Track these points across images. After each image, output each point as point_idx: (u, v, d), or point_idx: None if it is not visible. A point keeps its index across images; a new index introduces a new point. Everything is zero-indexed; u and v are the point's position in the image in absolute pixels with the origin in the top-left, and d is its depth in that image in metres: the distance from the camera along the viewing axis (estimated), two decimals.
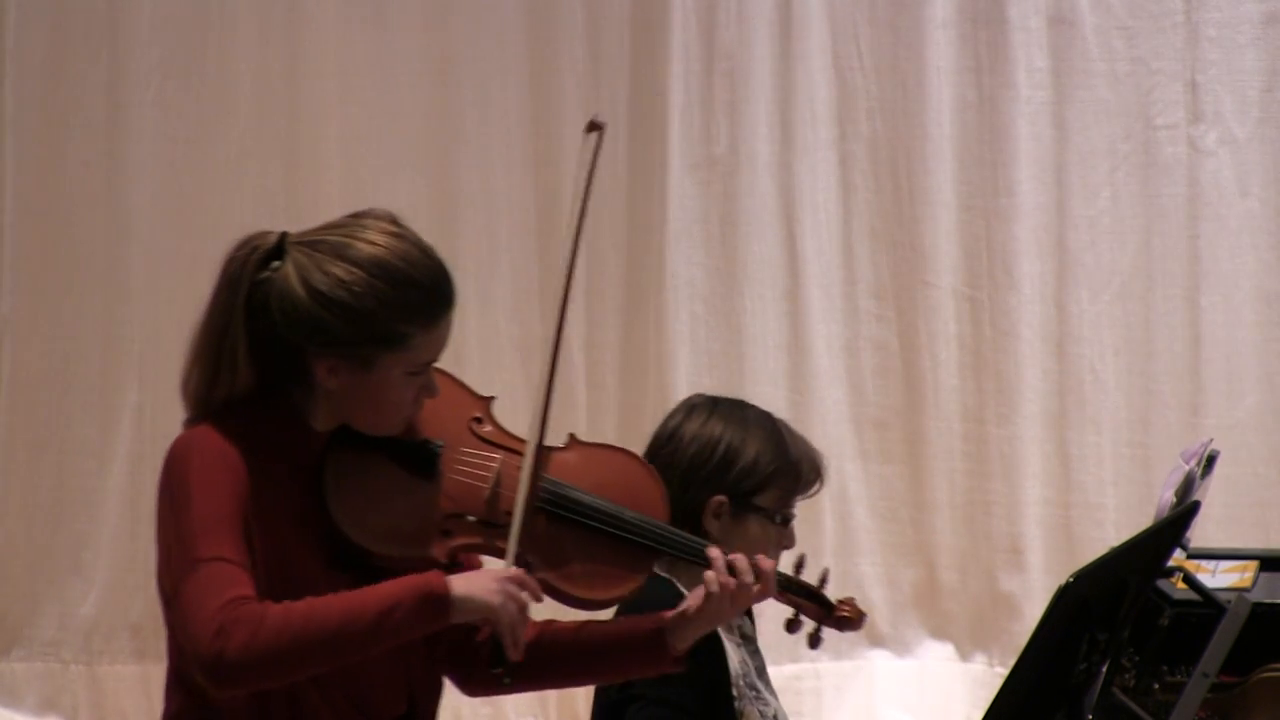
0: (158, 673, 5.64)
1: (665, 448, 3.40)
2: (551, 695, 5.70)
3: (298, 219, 6.16)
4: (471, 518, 2.88)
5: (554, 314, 3.02)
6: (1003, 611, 5.62)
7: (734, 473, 3.36)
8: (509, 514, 2.86)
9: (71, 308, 5.73)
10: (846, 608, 3.09)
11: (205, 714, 2.81)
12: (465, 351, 5.67)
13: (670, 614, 2.99)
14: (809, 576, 3.12)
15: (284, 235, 2.85)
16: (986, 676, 5.62)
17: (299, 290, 2.79)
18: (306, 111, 5.69)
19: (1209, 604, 3.68)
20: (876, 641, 5.71)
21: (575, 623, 3.05)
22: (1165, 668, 3.77)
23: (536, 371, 6.00)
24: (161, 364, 5.68)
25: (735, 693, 3.37)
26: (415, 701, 2.95)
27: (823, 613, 3.08)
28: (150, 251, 5.70)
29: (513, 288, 5.70)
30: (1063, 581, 2.95)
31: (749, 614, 3.52)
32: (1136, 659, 3.67)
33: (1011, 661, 3.09)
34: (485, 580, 2.77)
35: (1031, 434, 5.60)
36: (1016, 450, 5.61)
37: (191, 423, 2.85)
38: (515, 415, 5.88)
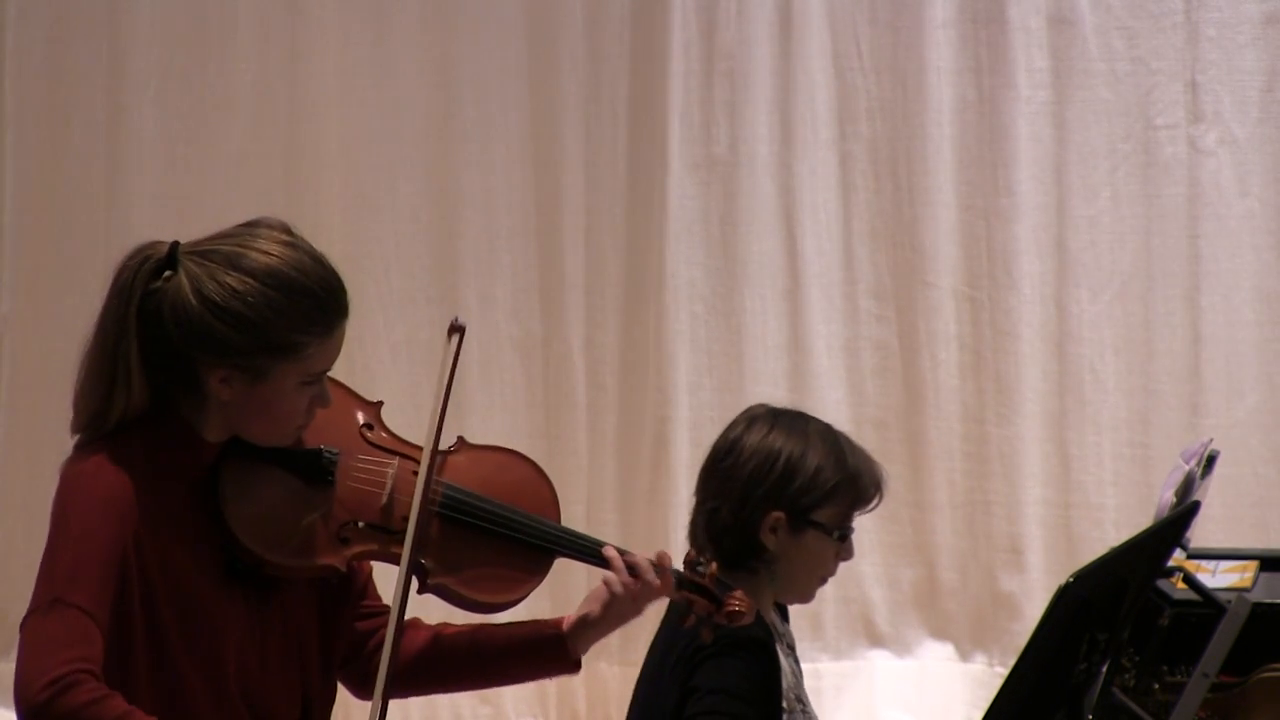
0: None
1: (725, 460, 3.37)
2: (551, 695, 5.70)
3: (298, 219, 6.16)
4: (368, 525, 2.88)
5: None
6: (1003, 611, 5.62)
7: (794, 487, 3.32)
8: (404, 519, 2.85)
9: (71, 308, 5.72)
10: (736, 601, 3.04)
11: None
12: (465, 352, 5.65)
13: (570, 617, 3.00)
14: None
15: (175, 245, 2.83)
16: (986, 676, 5.62)
17: (192, 300, 2.77)
18: (306, 111, 5.69)
19: (1209, 604, 3.67)
20: (876, 641, 5.71)
21: (470, 626, 3.05)
22: (1165, 668, 3.77)
23: (537, 371, 6.05)
24: None
25: (786, 706, 3.36)
26: (309, 708, 2.95)
27: (713, 607, 3.04)
28: None
29: (513, 288, 5.70)
30: (1063, 581, 2.94)
31: (786, 617, 3.51)
32: (1136, 659, 3.67)
33: (1011, 661, 3.09)
34: None
35: (1031, 434, 5.60)
36: (1016, 450, 5.61)
37: (82, 447, 2.84)
38: (517, 415, 5.89)
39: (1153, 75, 5.58)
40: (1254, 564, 4.04)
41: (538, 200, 5.72)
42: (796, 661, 3.52)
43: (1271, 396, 5.55)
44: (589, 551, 2.99)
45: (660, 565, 2.99)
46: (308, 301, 2.81)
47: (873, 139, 5.68)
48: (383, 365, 5.66)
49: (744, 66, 5.67)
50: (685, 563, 3.05)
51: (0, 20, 5.66)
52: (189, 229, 5.87)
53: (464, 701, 5.69)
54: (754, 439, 3.36)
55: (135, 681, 2.78)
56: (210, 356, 2.78)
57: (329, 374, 2.93)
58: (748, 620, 3.09)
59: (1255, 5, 5.55)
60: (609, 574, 2.97)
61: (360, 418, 2.97)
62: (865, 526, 5.58)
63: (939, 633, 5.70)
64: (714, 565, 3.06)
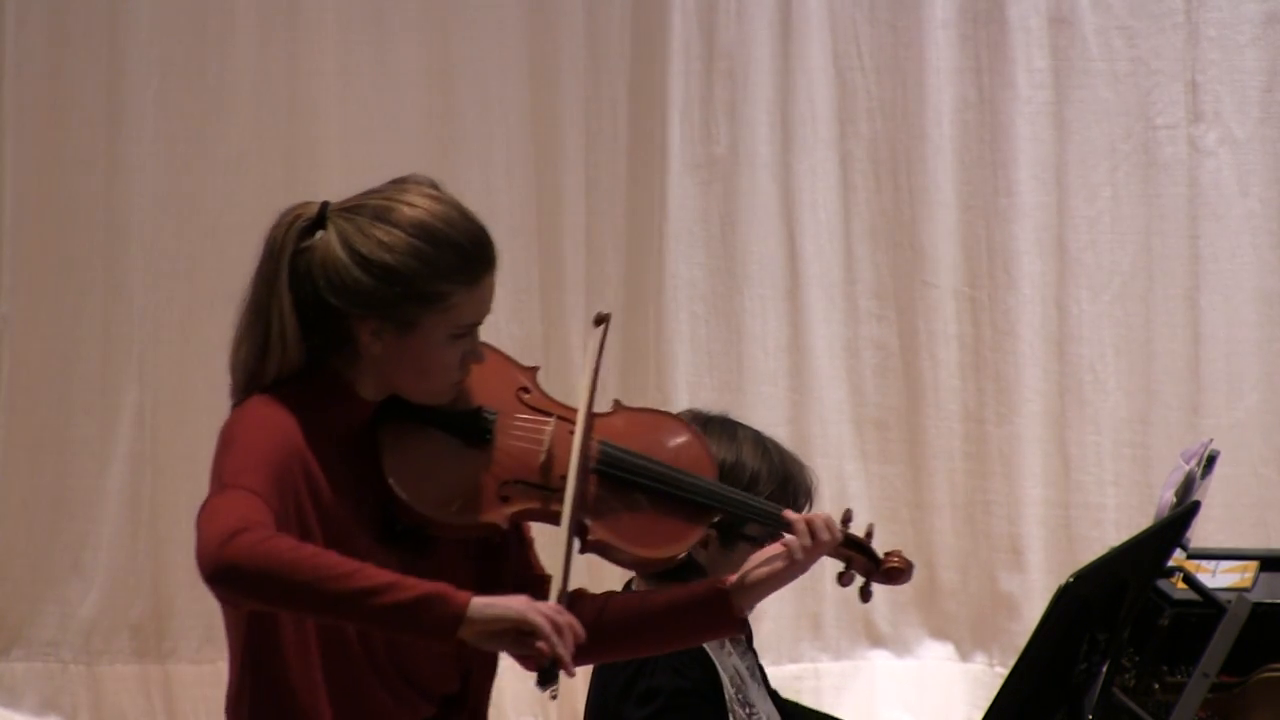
0: (157, 673, 5.69)
1: None
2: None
3: None
4: (527, 483, 2.90)
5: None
6: (1003, 611, 5.62)
7: None
8: (563, 478, 2.88)
9: (71, 308, 5.73)
10: (895, 559, 3.07)
11: (270, 690, 2.82)
12: None
13: (732, 577, 2.99)
14: (856, 529, 3.10)
15: (325, 204, 2.88)
16: (986, 676, 5.63)
17: (341, 254, 2.81)
18: (306, 111, 5.69)
19: (1209, 604, 3.68)
20: (876, 641, 5.71)
21: (637, 592, 3.10)
22: (1165, 668, 3.77)
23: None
24: (161, 364, 5.68)
25: (731, 715, 3.36)
26: (468, 680, 2.95)
27: (871, 565, 3.06)
28: (150, 251, 5.70)
29: (513, 288, 5.70)
30: (1063, 581, 2.95)
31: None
32: (1136, 659, 3.68)
33: (1011, 661, 3.09)
34: (518, 599, 2.71)
35: (1031, 434, 5.61)
36: (1016, 450, 5.61)
37: (240, 400, 2.87)
38: None
39: (1153, 75, 5.58)
40: (1254, 564, 4.04)
41: (538, 200, 5.72)
42: (746, 652, 3.50)
43: (1271, 396, 5.55)
44: (748, 507, 3.02)
45: (829, 524, 2.99)
46: (452, 251, 2.85)
47: (873, 139, 5.68)
48: None
49: (744, 66, 5.68)
50: (842, 520, 3.06)
51: (0, 20, 5.66)
52: (189, 229, 5.92)
53: None
54: None
55: (282, 628, 2.79)
56: (360, 309, 2.81)
57: (488, 343, 2.97)
58: (906, 579, 3.08)
59: (1255, 5, 5.55)
60: (790, 539, 2.97)
61: (517, 380, 3.01)
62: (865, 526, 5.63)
63: (939, 633, 5.70)
64: (870, 524, 3.08)
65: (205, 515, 2.67)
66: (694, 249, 5.69)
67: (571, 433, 2.92)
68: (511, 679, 5.70)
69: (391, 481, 2.84)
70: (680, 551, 2.96)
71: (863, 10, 5.66)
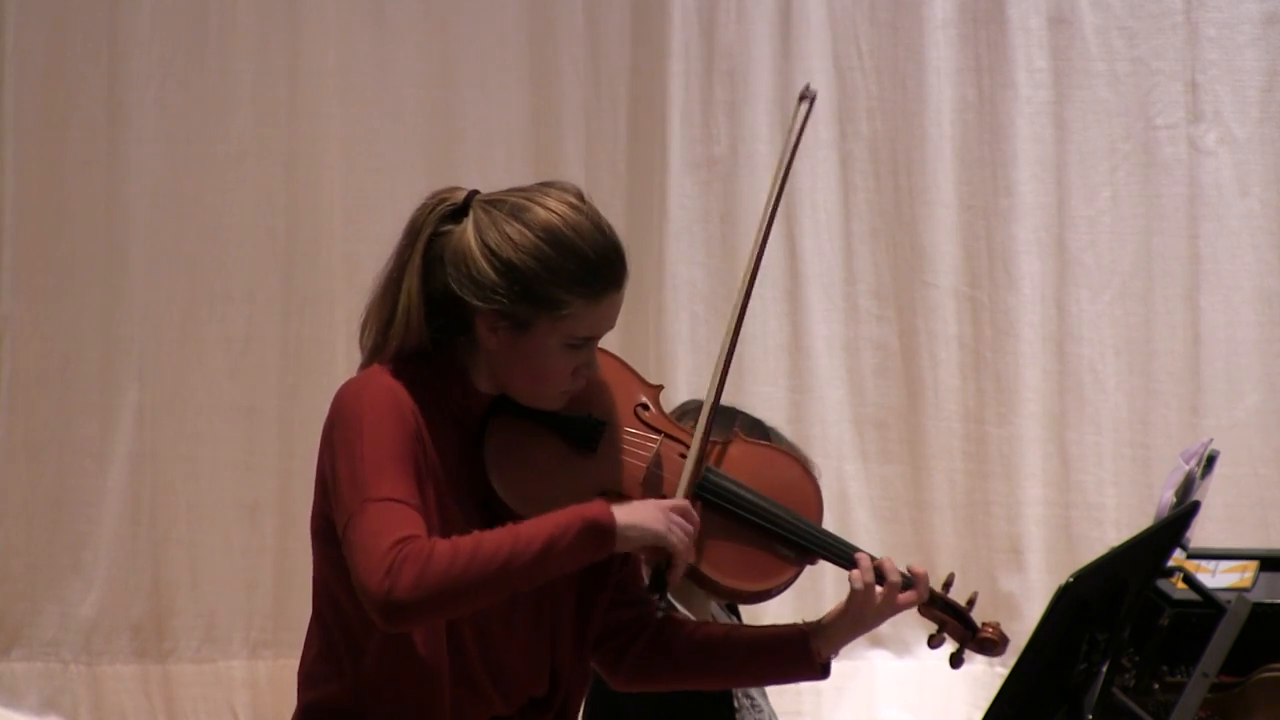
0: (157, 673, 5.69)
1: None
2: None
3: (297, 219, 6.19)
4: (626, 496, 2.89)
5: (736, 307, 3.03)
6: (1003, 611, 5.62)
7: None
8: (664, 497, 2.88)
9: (71, 308, 5.73)
10: (991, 630, 3.08)
11: (344, 698, 2.84)
12: None
13: (815, 620, 3.00)
14: (957, 596, 3.12)
15: (473, 193, 2.90)
16: (986, 676, 5.62)
17: (472, 243, 2.84)
18: (306, 111, 5.69)
19: (1209, 604, 3.68)
20: (876, 641, 5.71)
21: (727, 624, 3.11)
22: (1165, 668, 3.77)
23: None
24: (161, 364, 5.68)
25: (736, 704, 3.36)
26: (557, 684, 2.95)
27: (967, 633, 3.08)
28: (150, 251, 5.70)
29: None
30: (1063, 581, 2.94)
31: (735, 611, 3.52)
32: (1136, 659, 3.67)
33: (1011, 661, 3.08)
34: (649, 509, 2.79)
35: (1031, 434, 5.60)
36: (1016, 450, 5.61)
37: (363, 366, 2.90)
38: None
39: (1153, 75, 5.58)
40: (1254, 564, 4.04)
41: None
42: None
43: (1271, 396, 5.55)
44: (842, 555, 3.00)
45: (913, 573, 3.02)
46: (576, 261, 2.85)
47: (873, 139, 5.68)
48: None
49: (744, 66, 5.68)
50: (944, 584, 3.07)
51: (0, 20, 5.66)
52: (189, 229, 5.91)
53: None
54: None
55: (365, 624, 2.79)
56: (479, 300, 2.83)
57: (617, 356, 2.98)
58: (1000, 653, 3.10)
59: (1255, 5, 5.55)
60: (854, 572, 2.98)
61: (637, 396, 3.01)
62: (865, 527, 5.64)
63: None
64: (974, 593, 3.10)
65: (358, 546, 2.70)
66: (694, 249, 5.69)
67: (681, 455, 2.93)
68: None
69: (491, 476, 2.85)
70: (772, 588, 2.95)
71: (863, 10, 5.66)
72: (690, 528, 2.79)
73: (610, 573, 2.98)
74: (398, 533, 2.69)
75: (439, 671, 2.81)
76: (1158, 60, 5.58)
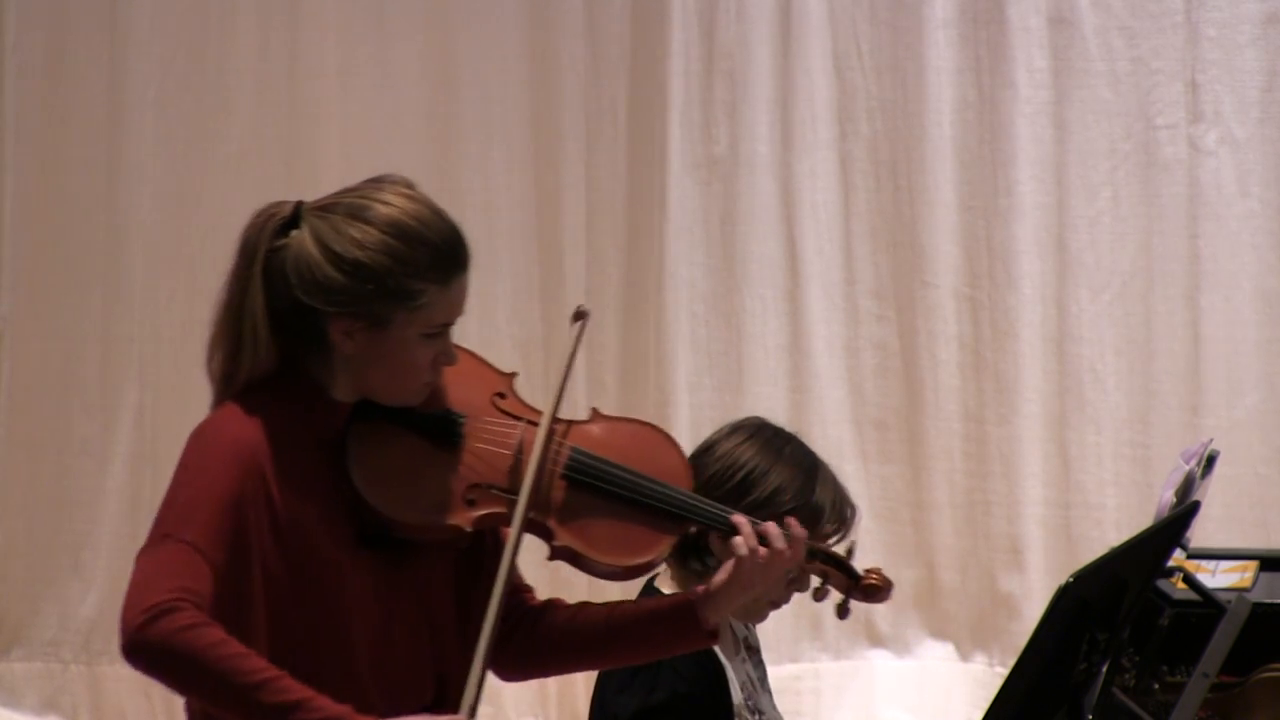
0: None
1: (699, 457, 3.40)
2: (552, 695, 5.70)
3: None
4: (494, 487, 2.89)
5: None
6: (1003, 611, 5.62)
7: (748, 500, 3.32)
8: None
9: (71, 308, 5.73)
10: (874, 576, 3.09)
11: None
12: None
13: (701, 588, 2.99)
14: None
15: (300, 204, 2.88)
16: (986, 676, 5.62)
17: (314, 251, 2.82)
18: (306, 111, 5.69)
19: (1209, 604, 3.68)
20: (876, 641, 5.71)
21: (608, 603, 3.06)
22: (1165, 668, 3.77)
23: (537, 371, 6.03)
24: (161, 364, 5.68)
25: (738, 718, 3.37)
26: (445, 688, 2.94)
27: (850, 583, 3.08)
28: (150, 251, 5.70)
29: (513, 288, 5.70)
30: (1063, 581, 2.95)
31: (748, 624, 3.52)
32: (1136, 659, 3.68)
33: (1011, 661, 3.09)
34: None
35: (1031, 434, 5.60)
36: (1016, 450, 5.61)
37: (217, 404, 2.88)
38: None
39: (1153, 75, 5.58)
40: (1254, 564, 4.05)
41: (538, 200, 5.72)
42: (759, 663, 3.52)
43: (1271, 396, 5.55)
44: (718, 520, 2.99)
45: (792, 534, 2.99)
46: (425, 249, 2.86)
47: (873, 139, 5.68)
48: None
49: (744, 66, 5.68)
50: (819, 536, 3.07)
51: (0, 20, 5.66)
52: (189, 229, 5.92)
53: None
54: (727, 445, 3.39)
55: (253, 638, 2.78)
56: (332, 306, 2.82)
57: (467, 348, 2.97)
58: (885, 598, 3.11)
59: (1255, 5, 5.54)
60: (738, 538, 2.97)
61: (493, 385, 3.01)
62: (865, 526, 5.63)
63: (939, 633, 5.70)
64: (850, 540, 3.10)
65: (139, 574, 2.69)
66: (694, 249, 5.69)
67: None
68: None
69: (356, 482, 2.84)
70: (649, 559, 2.94)
71: (863, 10, 5.66)
72: None
73: (483, 565, 2.97)
74: (188, 582, 2.68)
75: (333, 688, 2.78)
76: (1158, 60, 5.58)
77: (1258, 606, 3.69)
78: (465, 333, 5.94)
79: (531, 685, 5.69)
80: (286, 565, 2.79)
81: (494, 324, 5.70)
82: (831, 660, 5.70)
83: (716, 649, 3.33)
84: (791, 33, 5.67)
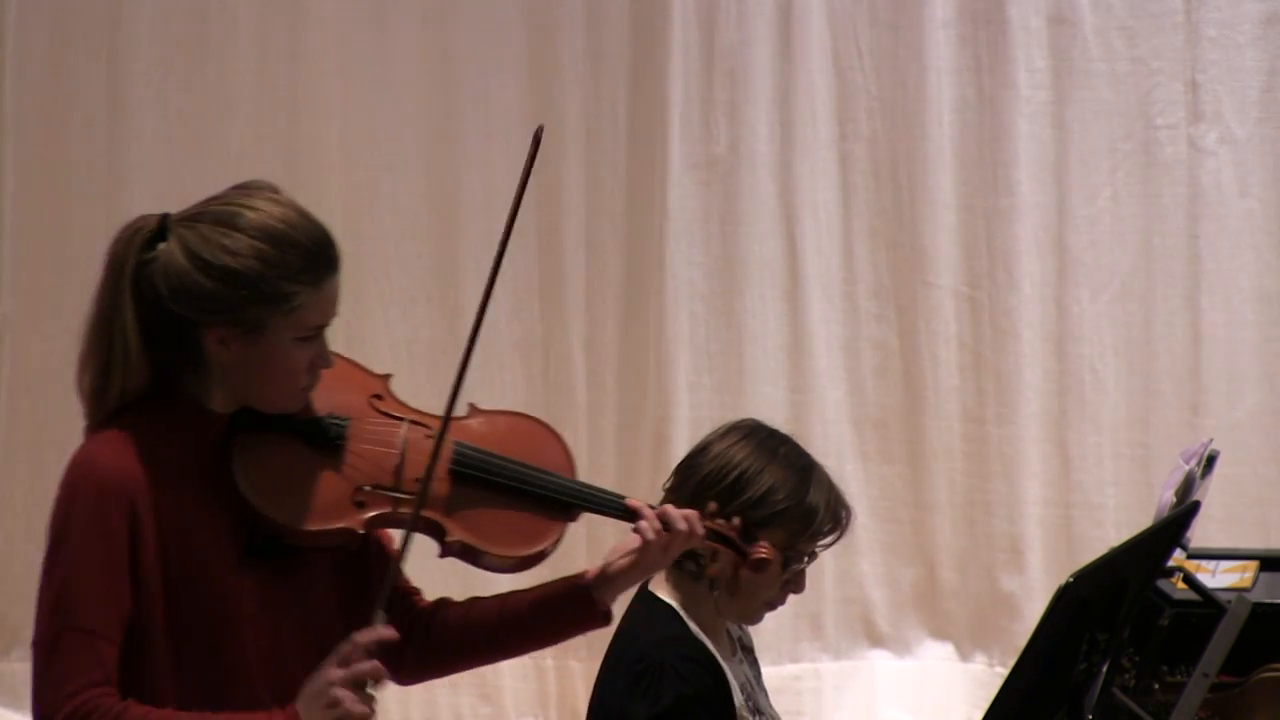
0: None
1: (693, 458, 3.41)
2: (552, 695, 5.70)
3: None
4: (381, 487, 2.90)
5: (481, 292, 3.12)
6: (1003, 611, 5.62)
7: (740, 500, 3.33)
8: (418, 480, 2.90)
9: (71, 308, 5.70)
10: (761, 549, 3.12)
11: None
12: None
13: (594, 570, 3.03)
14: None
15: (166, 216, 2.90)
16: (986, 676, 5.63)
17: (184, 262, 2.82)
18: (306, 111, 5.69)
19: (1209, 604, 3.68)
20: (876, 641, 5.71)
21: (499, 595, 3.07)
22: (1165, 668, 3.77)
23: (537, 371, 6.04)
24: None
25: None
26: None
27: (739, 558, 3.12)
28: None
29: (513, 288, 5.70)
30: (1063, 581, 2.94)
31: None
32: (1136, 659, 3.67)
33: (1011, 661, 3.09)
34: (319, 695, 2.77)
35: (1031, 434, 5.60)
36: (1016, 450, 5.61)
37: (90, 430, 2.86)
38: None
39: (1153, 75, 5.58)
40: (1254, 564, 4.04)
41: (538, 200, 5.72)
42: (753, 662, 3.52)
43: (1271, 396, 5.55)
44: (609, 504, 3.02)
45: (688, 517, 3.03)
46: (294, 252, 2.84)
47: (873, 139, 5.68)
48: (383, 364, 5.61)
49: (744, 66, 5.68)
50: (707, 514, 3.09)
51: (0, 20, 5.66)
52: None
53: (465, 701, 5.69)
54: (721, 445, 3.40)
55: (156, 668, 2.80)
56: (205, 316, 2.81)
57: (339, 353, 2.97)
58: (773, 571, 3.16)
59: (1255, 5, 5.55)
60: (642, 524, 2.99)
61: (370, 387, 3.02)
62: (865, 526, 5.64)
63: (939, 633, 5.70)
64: (737, 519, 3.11)
65: (44, 674, 2.79)
66: (694, 249, 5.69)
67: (427, 436, 2.93)
68: (512, 679, 5.70)
69: (245, 491, 2.84)
70: (541, 549, 2.97)
71: (863, 10, 5.66)
72: (361, 672, 2.77)
73: (371, 577, 2.98)
74: (94, 673, 2.74)
75: (231, 700, 2.81)
76: (1158, 60, 5.58)
77: (1258, 606, 3.69)
78: (465, 333, 5.92)
79: (531, 685, 5.69)
80: (176, 588, 2.80)
81: (494, 324, 5.70)
82: (831, 660, 5.70)
83: (715, 652, 3.33)
84: (791, 33, 5.67)
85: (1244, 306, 5.56)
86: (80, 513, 2.80)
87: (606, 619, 3.05)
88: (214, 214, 2.86)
